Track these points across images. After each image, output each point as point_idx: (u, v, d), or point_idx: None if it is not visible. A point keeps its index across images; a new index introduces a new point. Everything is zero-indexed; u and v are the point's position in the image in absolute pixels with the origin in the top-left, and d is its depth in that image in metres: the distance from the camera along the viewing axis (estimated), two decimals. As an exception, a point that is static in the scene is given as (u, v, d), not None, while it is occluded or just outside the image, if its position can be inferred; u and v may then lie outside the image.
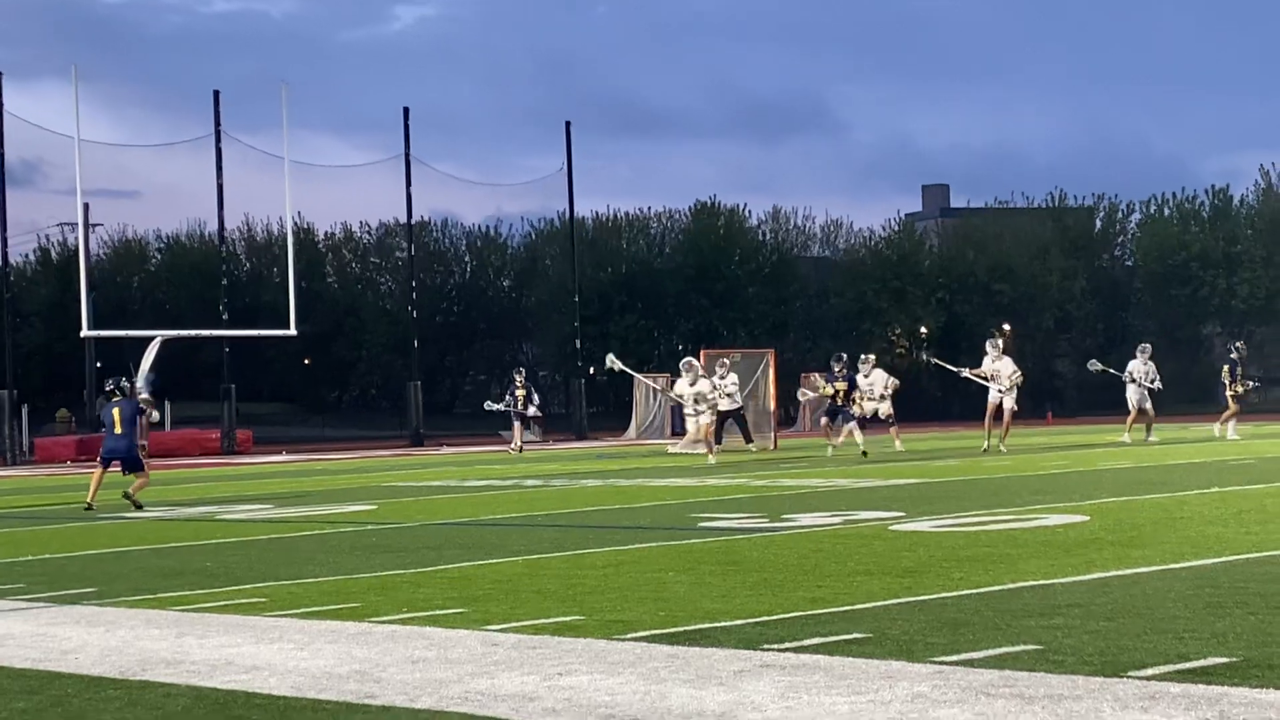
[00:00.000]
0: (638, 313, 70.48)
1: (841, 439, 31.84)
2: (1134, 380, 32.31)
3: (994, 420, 29.21)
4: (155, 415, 28.35)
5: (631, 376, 41.88)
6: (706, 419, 29.88)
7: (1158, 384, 32.41)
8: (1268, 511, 13.63)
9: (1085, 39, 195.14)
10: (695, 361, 31.30)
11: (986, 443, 28.81)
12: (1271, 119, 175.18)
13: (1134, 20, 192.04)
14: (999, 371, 29.29)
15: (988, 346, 29.97)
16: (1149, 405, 32.08)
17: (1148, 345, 33.25)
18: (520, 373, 42.29)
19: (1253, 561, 10.00)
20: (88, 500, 21.02)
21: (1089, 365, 36.67)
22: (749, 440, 34.50)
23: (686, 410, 30.83)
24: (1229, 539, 11.40)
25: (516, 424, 40.63)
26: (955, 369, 31.54)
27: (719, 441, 34.48)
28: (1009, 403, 29.04)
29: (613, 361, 34.56)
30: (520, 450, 39.49)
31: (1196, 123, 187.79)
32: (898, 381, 32.76)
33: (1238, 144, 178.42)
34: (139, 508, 20.24)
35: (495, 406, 41.68)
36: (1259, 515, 13.28)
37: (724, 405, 33.43)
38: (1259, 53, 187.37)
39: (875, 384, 31.75)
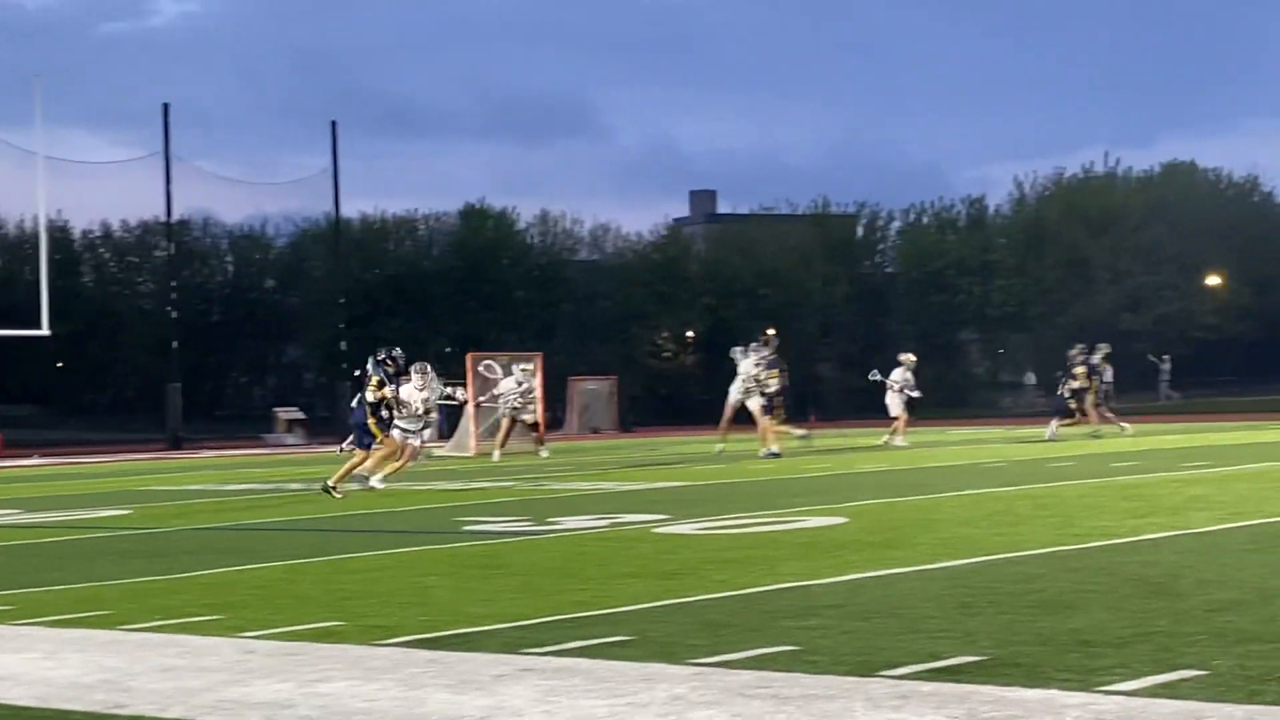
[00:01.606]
0: (404, 315, 69.92)
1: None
2: (896, 388, 33.05)
3: (731, 423, 29.90)
4: None
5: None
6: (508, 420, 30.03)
7: (916, 392, 33.21)
8: (1018, 514, 14.02)
9: (847, 48, 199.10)
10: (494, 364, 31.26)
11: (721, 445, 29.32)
12: (1024, 131, 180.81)
13: (893, 30, 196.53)
14: (753, 375, 29.61)
15: (751, 351, 30.28)
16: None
17: (911, 355, 33.88)
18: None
19: (1003, 562, 10.27)
20: None
21: (870, 376, 37.30)
22: (540, 444, 34.55)
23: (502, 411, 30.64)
24: (981, 540, 11.69)
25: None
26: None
27: (503, 445, 34.37)
28: (755, 404, 29.40)
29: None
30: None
31: (953, 133, 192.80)
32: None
33: (992, 155, 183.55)
34: None
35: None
36: (1010, 517, 13.65)
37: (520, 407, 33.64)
38: (1014, 65, 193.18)
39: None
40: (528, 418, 33.89)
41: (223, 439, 55.78)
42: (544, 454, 33.17)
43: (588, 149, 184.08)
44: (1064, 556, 10.48)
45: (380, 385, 21.30)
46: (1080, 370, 33.90)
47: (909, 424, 33.14)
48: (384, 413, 21.29)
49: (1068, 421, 33.36)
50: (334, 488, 20.10)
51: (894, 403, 33.11)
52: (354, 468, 20.96)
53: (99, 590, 10.50)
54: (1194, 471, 19.38)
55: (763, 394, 29.18)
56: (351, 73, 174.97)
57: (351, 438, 22.51)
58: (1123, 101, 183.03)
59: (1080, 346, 35.67)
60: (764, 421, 28.97)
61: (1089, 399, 33.73)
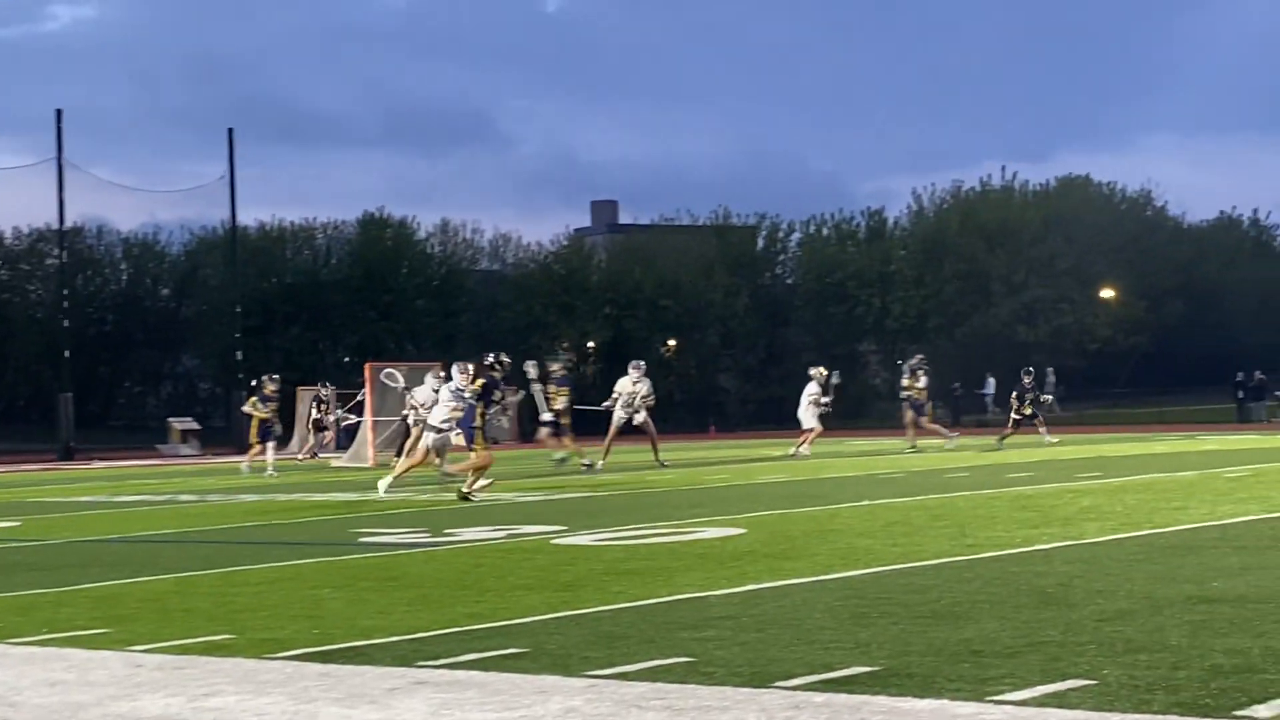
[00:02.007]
0: (302, 324, 69.42)
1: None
2: (808, 401, 33.18)
3: (615, 438, 29.87)
4: None
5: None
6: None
7: (826, 406, 33.43)
8: (913, 524, 14.11)
9: (744, 58, 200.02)
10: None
11: (602, 460, 29.23)
12: (923, 144, 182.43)
13: (793, 43, 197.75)
14: (635, 392, 29.62)
15: (630, 369, 30.28)
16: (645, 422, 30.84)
17: (641, 362, 32.28)
18: (275, 379, 35.46)
19: (898, 572, 10.32)
20: None
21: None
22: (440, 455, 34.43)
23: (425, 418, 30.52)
24: (876, 551, 11.76)
25: (272, 443, 33.93)
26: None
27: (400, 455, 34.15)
28: (640, 420, 29.52)
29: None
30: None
31: (852, 146, 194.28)
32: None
33: (892, 167, 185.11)
34: None
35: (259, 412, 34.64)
36: (905, 528, 13.74)
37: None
38: (913, 79, 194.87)
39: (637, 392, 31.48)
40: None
41: (116, 449, 55.08)
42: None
43: (488, 159, 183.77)
44: (958, 567, 10.55)
45: (487, 389, 21.19)
46: (909, 380, 34.50)
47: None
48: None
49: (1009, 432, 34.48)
50: (469, 493, 19.97)
51: (808, 415, 33.36)
52: (475, 465, 20.71)
53: (-15, 604, 10.32)
54: (1086, 483, 19.60)
55: (551, 412, 29.28)
56: (249, 80, 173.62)
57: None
58: (1020, 116, 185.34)
59: (920, 357, 36.24)
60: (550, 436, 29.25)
61: (909, 412, 34.22)
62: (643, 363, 31.30)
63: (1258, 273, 78.11)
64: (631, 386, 30.30)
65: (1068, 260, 70.95)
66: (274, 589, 10.63)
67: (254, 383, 34.72)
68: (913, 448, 33.10)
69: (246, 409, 35.28)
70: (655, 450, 29.61)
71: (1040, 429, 35.55)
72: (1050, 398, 64.75)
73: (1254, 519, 13.60)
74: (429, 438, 22.24)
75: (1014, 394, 36.22)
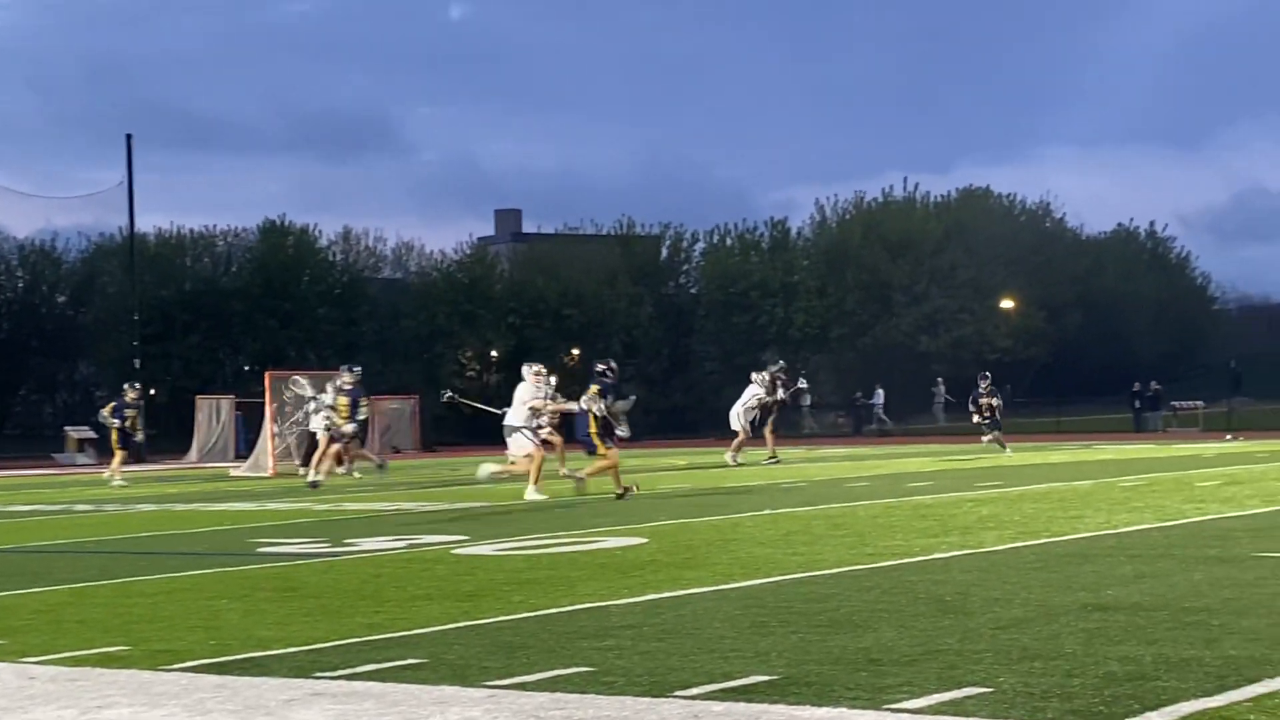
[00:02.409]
0: (202, 332, 68.74)
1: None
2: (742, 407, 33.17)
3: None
4: None
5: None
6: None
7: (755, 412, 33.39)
8: (814, 533, 14.18)
9: (650, 68, 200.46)
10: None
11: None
12: (826, 155, 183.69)
13: (697, 53, 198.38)
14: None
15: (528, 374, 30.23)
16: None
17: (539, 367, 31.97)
18: (136, 388, 36.02)
19: (798, 581, 10.37)
20: None
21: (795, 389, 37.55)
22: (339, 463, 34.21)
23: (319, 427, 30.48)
24: (777, 560, 11.81)
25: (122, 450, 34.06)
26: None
27: (305, 464, 33.84)
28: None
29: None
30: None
31: (756, 156, 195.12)
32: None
33: (795, 178, 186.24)
34: None
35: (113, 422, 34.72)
36: (806, 537, 13.80)
37: (318, 426, 33.29)
38: (816, 90, 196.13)
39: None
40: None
41: (11, 458, 54.25)
42: (356, 474, 33.01)
43: (391, 166, 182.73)
44: (857, 576, 10.62)
45: (601, 395, 21.03)
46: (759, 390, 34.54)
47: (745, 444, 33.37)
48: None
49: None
50: (624, 493, 20.00)
51: (737, 419, 33.25)
52: (605, 468, 20.71)
53: (-127, 616, 10.12)
54: (985, 492, 19.79)
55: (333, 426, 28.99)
56: (147, 86, 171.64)
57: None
58: (922, 128, 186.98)
59: (782, 364, 36.27)
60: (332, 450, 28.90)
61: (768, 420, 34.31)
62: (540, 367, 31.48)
63: (1154, 284, 79.30)
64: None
65: (968, 271, 71.66)
66: (170, 600, 10.51)
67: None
68: (772, 458, 32.53)
69: (103, 419, 34.94)
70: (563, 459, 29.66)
71: (985, 438, 35.36)
72: (943, 401, 65.61)
73: (1149, 528, 13.79)
74: (521, 442, 21.93)
75: (970, 399, 36.20)
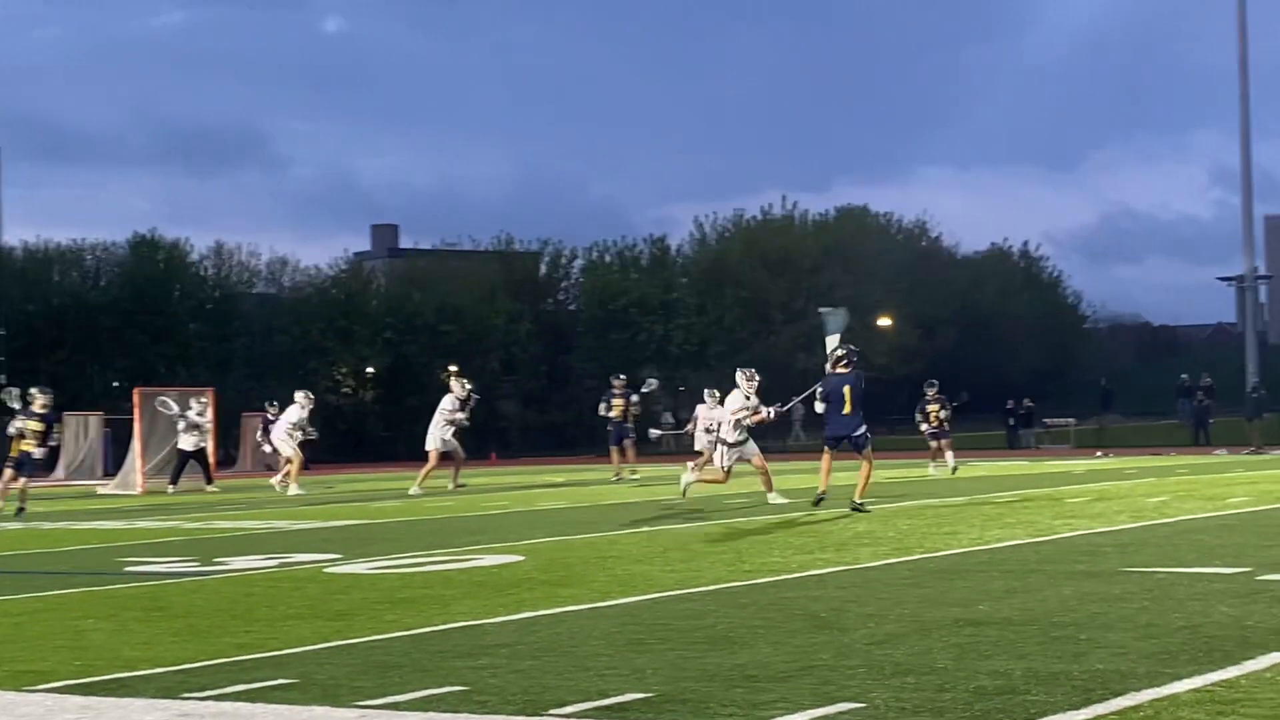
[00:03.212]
0: (70, 348, 67.58)
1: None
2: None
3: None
4: None
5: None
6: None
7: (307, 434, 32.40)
8: (692, 550, 14.18)
9: (526, 84, 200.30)
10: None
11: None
12: (705, 173, 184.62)
13: (572, 68, 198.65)
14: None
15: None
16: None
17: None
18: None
19: (675, 598, 10.36)
20: None
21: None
22: (210, 481, 33.97)
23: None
24: (655, 577, 11.79)
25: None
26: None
27: (175, 482, 33.49)
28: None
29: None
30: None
31: (633, 173, 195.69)
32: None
33: (673, 195, 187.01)
34: None
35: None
36: (683, 554, 13.80)
37: (187, 444, 33.20)
38: (694, 108, 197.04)
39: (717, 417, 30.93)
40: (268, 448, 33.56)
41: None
42: (212, 489, 32.87)
43: (262, 180, 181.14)
44: (734, 592, 10.63)
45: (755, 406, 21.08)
46: (619, 403, 34.34)
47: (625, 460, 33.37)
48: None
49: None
50: (861, 506, 19.23)
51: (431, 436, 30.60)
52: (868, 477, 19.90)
53: None
54: (861, 507, 19.88)
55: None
56: (11, 97, 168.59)
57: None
58: (801, 146, 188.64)
59: (624, 377, 36.09)
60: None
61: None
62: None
63: (1028, 303, 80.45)
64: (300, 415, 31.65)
65: (846, 289, 72.21)
66: (35, 620, 10.29)
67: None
68: (617, 478, 32.46)
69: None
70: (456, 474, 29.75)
71: (937, 458, 32.78)
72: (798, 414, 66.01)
73: (1020, 543, 13.94)
74: (728, 453, 21.39)
75: (916, 408, 34.13)
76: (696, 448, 28.99)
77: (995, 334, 76.93)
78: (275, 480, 32.62)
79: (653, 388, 32.34)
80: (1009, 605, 9.43)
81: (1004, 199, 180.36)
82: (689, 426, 30.70)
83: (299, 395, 32.60)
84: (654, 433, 36.74)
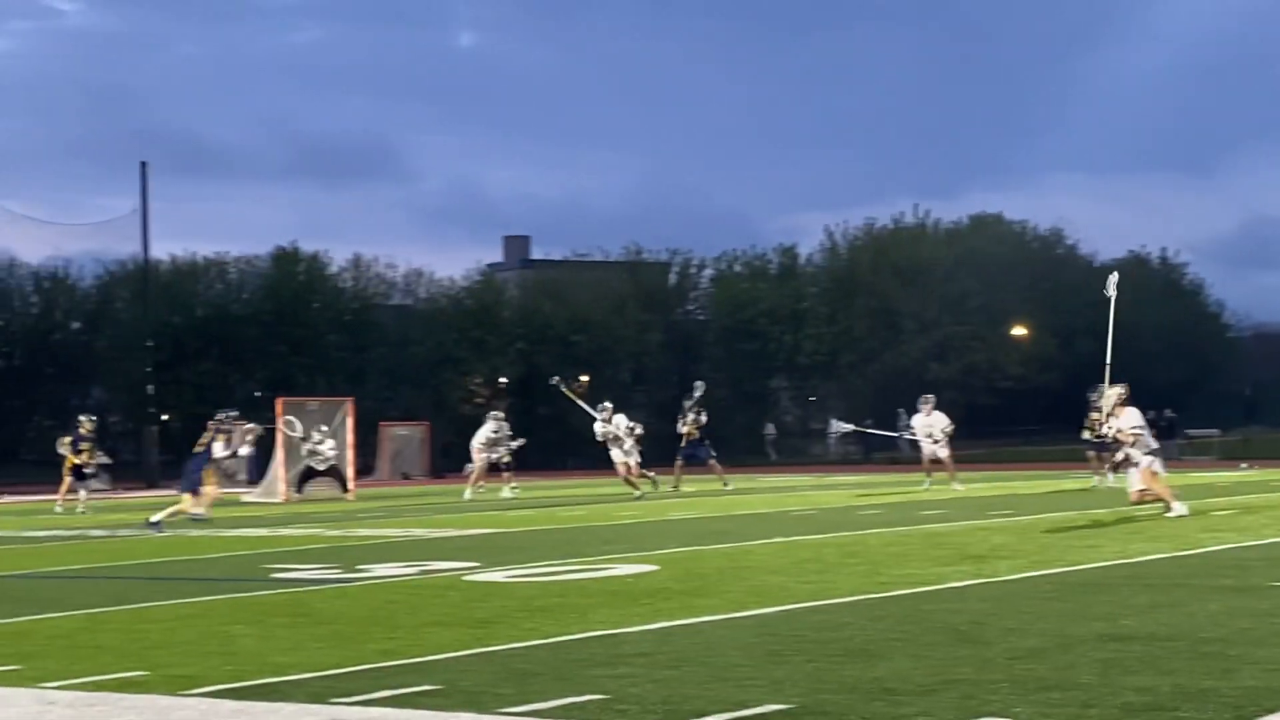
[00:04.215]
0: (214, 358, 68.82)
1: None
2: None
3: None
4: None
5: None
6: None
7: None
8: (826, 561, 14.16)
9: (655, 95, 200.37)
10: None
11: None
12: (834, 181, 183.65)
13: (701, 78, 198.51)
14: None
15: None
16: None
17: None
18: (93, 420, 35.98)
19: (811, 610, 10.36)
20: None
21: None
22: (346, 489, 34.84)
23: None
24: (790, 588, 11.78)
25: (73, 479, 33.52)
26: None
27: (299, 490, 34.28)
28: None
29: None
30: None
31: (763, 182, 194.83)
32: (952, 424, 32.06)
33: (803, 204, 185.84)
34: None
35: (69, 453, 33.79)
36: (818, 565, 13.78)
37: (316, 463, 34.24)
38: (824, 115, 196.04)
39: (934, 425, 31.37)
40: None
41: (25, 484, 54.29)
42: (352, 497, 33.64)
43: (397, 193, 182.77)
44: (871, 604, 10.60)
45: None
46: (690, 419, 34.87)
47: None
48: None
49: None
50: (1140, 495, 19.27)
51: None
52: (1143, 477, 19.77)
53: (-112, 641, 10.14)
54: (999, 520, 19.75)
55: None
56: (153, 113, 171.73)
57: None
58: (932, 154, 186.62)
59: (697, 395, 36.35)
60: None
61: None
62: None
63: (1168, 311, 79.16)
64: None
65: (979, 298, 71.59)
66: (185, 625, 10.52)
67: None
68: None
69: (61, 448, 34.95)
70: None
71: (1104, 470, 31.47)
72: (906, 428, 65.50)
73: (1164, 557, 13.76)
74: (1148, 460, 20.89)
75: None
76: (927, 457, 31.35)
77: (1134, 343, 75.78)
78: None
79: (700, 390, 34.66)
80: (1154, 620, 9.32)
81: (1140, 205, 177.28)
82: (904, 433, 31.61)
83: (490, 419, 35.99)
84: (840, 427, 37.23)
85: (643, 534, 19.13)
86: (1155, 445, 20.48)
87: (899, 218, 77.62)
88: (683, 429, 35.06)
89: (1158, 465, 20.00)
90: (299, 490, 34.71)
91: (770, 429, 66.18)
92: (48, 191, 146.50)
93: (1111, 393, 20.80)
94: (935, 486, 30.10)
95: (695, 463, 35.14)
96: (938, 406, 31.95)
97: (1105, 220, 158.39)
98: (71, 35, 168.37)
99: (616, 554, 15.56)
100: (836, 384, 72.26)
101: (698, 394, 35.94)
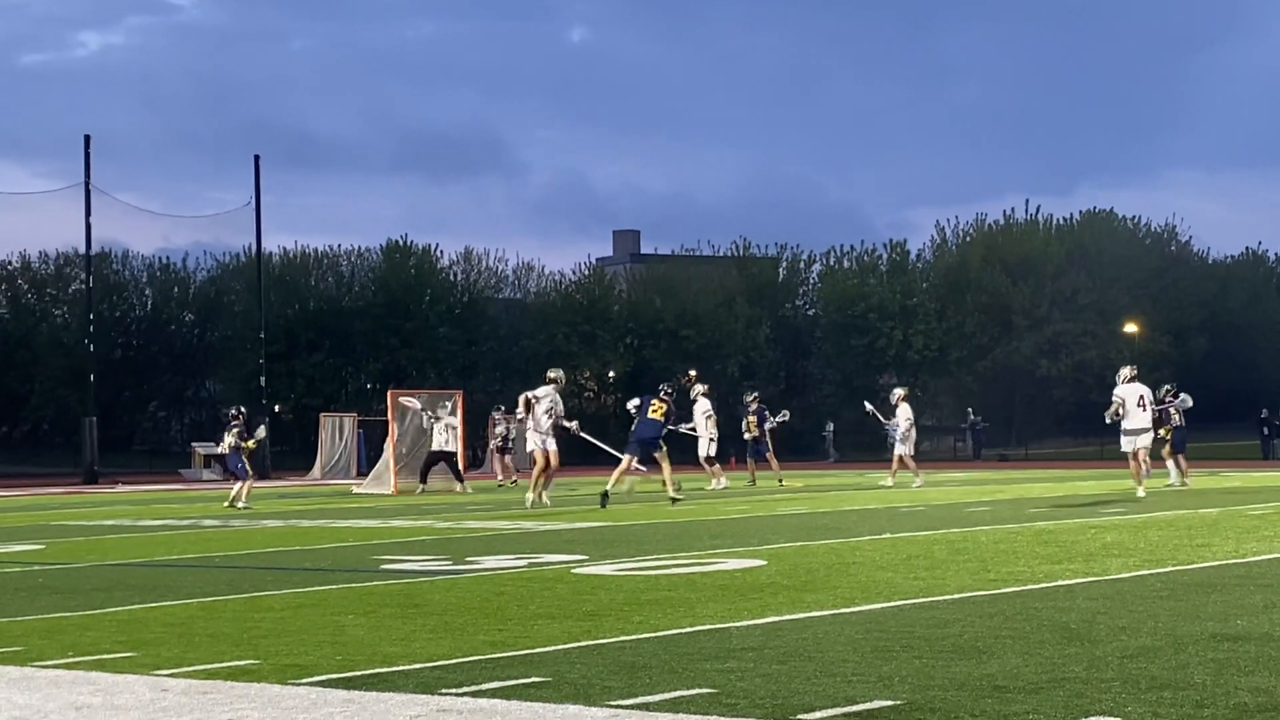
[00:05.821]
0: (326, 351, 69.60)
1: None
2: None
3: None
4: None
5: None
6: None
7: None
8: (935, 558, 14.08)
9: (764, 90, 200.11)
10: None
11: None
12: (945, 176, 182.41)
13: (811, 74, 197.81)
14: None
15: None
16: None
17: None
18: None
19: (919, 606, 10.31)
20: None
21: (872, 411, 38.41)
22: (461, 481, 34.95)
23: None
24: (898, 584, 11.74)
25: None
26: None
27: (423, 481, 34.51)
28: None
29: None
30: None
31: (873, 177, 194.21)
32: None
33: (913, 199, 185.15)
34: None
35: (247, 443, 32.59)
36: (927, 561, 13.72)
37: (438, 442, 34.21)
38: (934, 112, 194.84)
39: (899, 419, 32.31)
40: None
41: (139, 473, 55.24)
42: (468, 490, 33.82)
43: (506, 187, 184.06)
44: (980, 601, 10.54)
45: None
46: (752, 419, 35.90)
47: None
48: None
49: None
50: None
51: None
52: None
53: (9, 626, 10.36)
54: (1109, 518, 19.55)
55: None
56: (265, 107, 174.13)
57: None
58: (1044, 149, 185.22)
59: (756, 394, 37.09)
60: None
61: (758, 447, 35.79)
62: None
63: (1281, 309, 77.95)
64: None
65: (1091, 294, 70.86)
66: (297, 615, 10.65)
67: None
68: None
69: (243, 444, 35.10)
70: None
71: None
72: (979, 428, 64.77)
73: (1277, 557, 13.55)
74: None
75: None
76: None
77: (1248, 341, 74.66)
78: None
79: (785, 418, 36.13)
80: (1269, 620, 9.20)
81: (1256, 202, 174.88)
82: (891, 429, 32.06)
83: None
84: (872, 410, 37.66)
85: (750, 529, 19.12)
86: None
87: (1010, 213, 77.07)
88: (747, 435, 35.99)
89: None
90: (424, 481, 34.77)
91: (830, 427, 65.93)
92: (161, 183, 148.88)
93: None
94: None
95: (758, 459, 35.98)
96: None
97: (1220, 217, 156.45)
98: (185, 30, 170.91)
99: (724, 549, 15.58)
100: (946, 380, 71.79)
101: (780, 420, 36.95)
